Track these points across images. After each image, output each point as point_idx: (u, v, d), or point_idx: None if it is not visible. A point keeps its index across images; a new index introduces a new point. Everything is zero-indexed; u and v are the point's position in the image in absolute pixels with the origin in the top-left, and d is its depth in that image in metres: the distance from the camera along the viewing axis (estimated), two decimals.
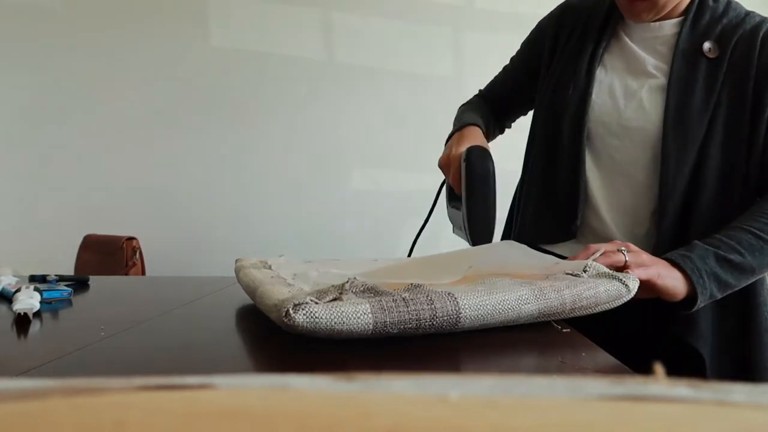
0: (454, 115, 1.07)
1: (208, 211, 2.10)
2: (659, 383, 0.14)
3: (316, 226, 2.05)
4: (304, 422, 0.11)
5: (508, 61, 1.10)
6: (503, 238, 1.03)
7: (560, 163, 0.90)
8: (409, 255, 0.98)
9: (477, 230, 0.83)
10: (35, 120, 2.18)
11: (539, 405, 0.12)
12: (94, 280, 0.84)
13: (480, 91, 1.13)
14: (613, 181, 0.87)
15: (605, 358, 0.44)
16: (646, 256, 0.70)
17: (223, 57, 2.10)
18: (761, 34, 0.82)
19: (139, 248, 1.86)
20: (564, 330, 0.51)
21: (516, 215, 1.01)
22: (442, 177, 1.05)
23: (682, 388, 0.13)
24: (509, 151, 1.22)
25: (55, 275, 0.88)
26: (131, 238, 1.84)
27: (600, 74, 0.90)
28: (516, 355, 0.45)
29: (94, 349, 0.48)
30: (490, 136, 1.02)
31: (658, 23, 0.88)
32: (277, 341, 0.47)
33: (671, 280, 0.68)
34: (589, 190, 0.88)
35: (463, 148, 0.84)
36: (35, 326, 0.63)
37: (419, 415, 0.11)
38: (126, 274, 1.74)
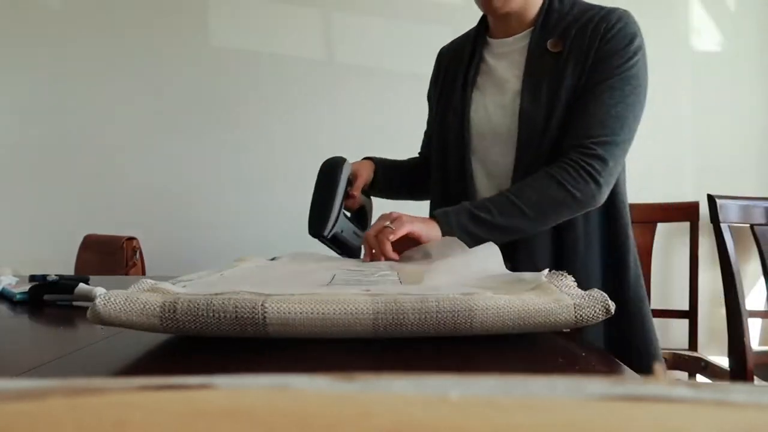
0: None
1: (208, 211, 2.10)
2: (659, 383, 0.14)
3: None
4: (304, 422, 0.11)
5: None
6: None
7: (453, 184, 1.02)
8: None
9: (312, 217, 0.93)
10: (35, 120, 2.18)
11: (539, 405, 0.12)
12: (94, 280, 0.84)
13: (418, 153, 1.26)
14: (499, 183, 0.98)
15: (605, 358, 0.44)
16: (405, 218, 0.82)
17: (223, 57, 2.10)
18: (595, 20, 0.91)
19: (139, 248, 1.85)
20: (564, 330, 0.51)
21: None
22: None
23: (682, 388, 0.13)
24: None
25: (56, 275, 0.89)
26: (131, 238, 1.83)
27: (476, 95, 1.02)
28: (516, 355, 0.45)
29: (94, 349, 0.48)
30: (395, 172, 1.15)
31: (512, 38, 1.00)
32: (277, 341, 0.47)
33: (426, 230, 0.82)
34: (478, 195, 1.00)
35: None
36: (35, 326, 0.63)
37: (419, 415, 0.11)
38: (126, 274, 1.74)
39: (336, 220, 0.90)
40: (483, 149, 1.00)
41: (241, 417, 0.11)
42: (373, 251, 0.83)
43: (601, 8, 0.94)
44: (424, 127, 1.25)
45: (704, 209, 1.74)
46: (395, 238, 0.81)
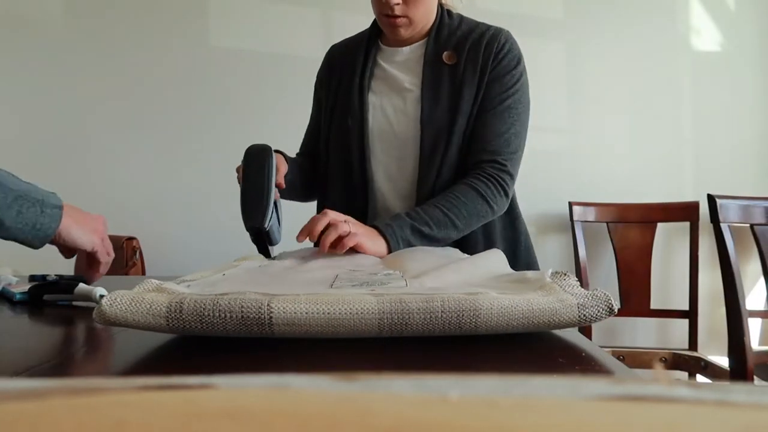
0: None
1: (207, 211, 2.10)
2: (659, 383, 0.14)
3: None
4: (304, 422, 0.11)
5: None
6: None
7: (355, 186, 1.04)
8: None
9: (246, 209, 0.89)
10: (34, 120, 2.18)
11: (539, 405, 0.12)
12: None
13: (297, 153, 1.24)
14: (402, 186, 1.03)
15: (605, 358, 0.44)
16: (360, 227, 0.85)
17: (223, 57, 2.10)
18: (486, 38, 1.00)
19: (139, 248, 1.86)
20: (564, 330, 0.51)
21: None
22: None
23: (682, 388, 0.13)
24: None
25: (55, 275, 0.89)
26: (131, 238, 1.83)
27: (372, 98, 1.05)
28: (516, 355, 0.45)
29: (93, 349, 0.48)
30: (298, 170, 1.11)
31: (408, 47, 1.05)
32: (277, 340, 0.47)
33: (373, 245, 0.84)
34: (383, 200, 1.04)
35: None
36: (35, 326, 0.63)
37: (419, 415, 0.11)
38: (126, 274, 1.74)
39: (271, 212, 0.86)
40: (382, 152, 1.04)
41: (241, 417, 0.11)
42: (319, 231, 0.83)
43: (487, 26, 1.04)
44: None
45: (704, 209, 1.74)
46: (343, 240, 0.81)
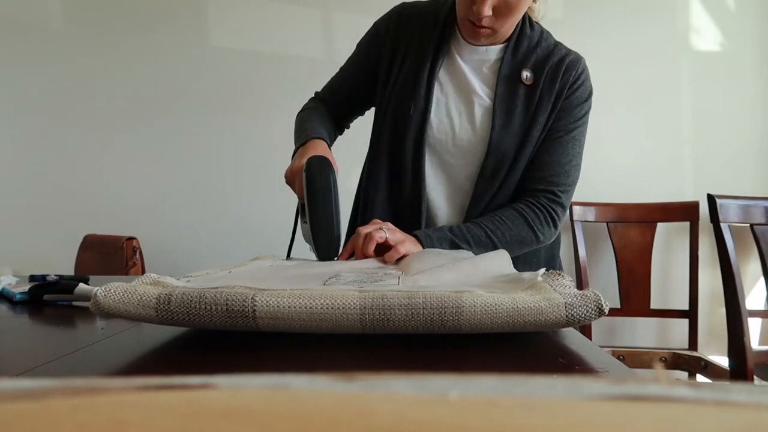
0: (296, 119, 1.11)
1: (208, 211, 2.10)
2: (659, 383, 0.14)
3: None
4: (304, 422, 0.11)
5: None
6: (347, 238, 1.09)
7: (404, 176, 0.99)
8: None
9: (322, 243, 0.83)
10: (35, 120, 2.18)
11: (539, 405, 0.12)
12: (93, 280, 0.84)
13: (317, 93, 1.17)
14: (453, 191, 1.00)
15: (605, 358, 0.44)
16: (400, 234, 0.84)
17: (223, 57, 2.10)
18: (564, 65, 0.97)
19: (139, 248, 1.85)
20: (564, 330, 0.51)
21: (360, 217, 1.08)
22: None
23: (682, 388, 0.13)
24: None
25: (55, 275, 0.89)
26: (131, 238, 1.83)
27: (437, 92, 0.99)
28: (516, 354, 0.45)
29: (94, 349, 0.48)
30: (331, 142, 1.07)
31: (485, 48, 0.99)
32: (277, 340, 0.47)
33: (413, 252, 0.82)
34: (431, 200, 1.00)
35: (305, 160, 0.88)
36: (35, 326, 0.63)
37: (419, 415, 0.11)
38: (126, 274, 1.74)
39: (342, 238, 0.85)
40: (441, 153, 0.99)
41: (241, 417, 0.11)
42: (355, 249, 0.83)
43: (567, 50, 1.01)
44: (355, 126, 1.21)
45: (704, 209, 1.74)
46: (390, 254, 0.80)
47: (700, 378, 1.73)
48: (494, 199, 0.97)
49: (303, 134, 1.00)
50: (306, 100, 1.19)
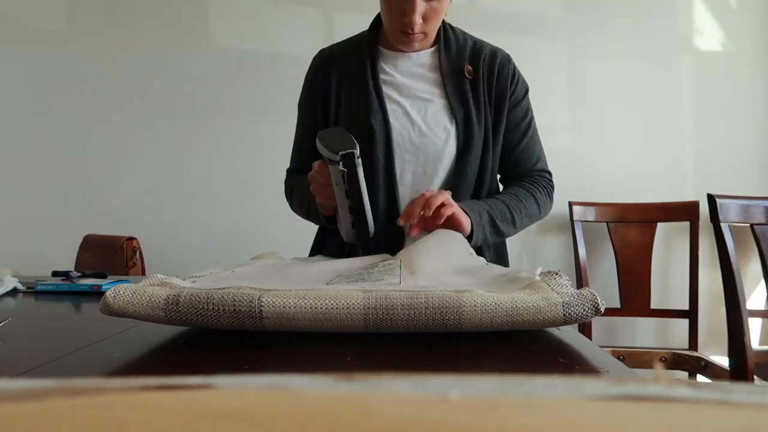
0: (295, 205, 1.17)
1: (208, 211, 2.10)
2: (659, 383, 0.14)
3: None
4: (304, 422, 0.11)
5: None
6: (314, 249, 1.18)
7: (377, 183, 1.01)
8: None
9: (349, 231, 0.87)
10: (35, 120, 2.18)
11: (539, 405, 0.12)
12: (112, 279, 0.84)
13: (288, 170, 1.23)
14: (422, 189, 1.01)
15: (605, 358, 0.44)
16: (453, 202, 0.88)
17: (224, 56, 2.10)
18: (498, 60, 1.05)
19: (139, 248, 1.86)
20: (564, 330, 0.51)
21: (328, 238, 1.15)
22: None
23: (682, 388, 0.13)
24: None
25: (77, 271, 0.91)
26: (131, 238, 1.83)
27: (389, 104, 1.03)
28: (516, 354, 0.45)
29: (94, 349, 0.48)
30: None
31: (416, 53, 1.06)
32: (277, 341, 0.47)
33: (465, 220, 0.88)
34: (402, 202, 1.02)
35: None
36: (36, 326, 0.63)
37: (419, 415, 0.11)
38: (126, 274, 1.74)
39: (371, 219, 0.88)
40: (410, 155, 1.02)
41: (241, 417, 0.11)
42: (418, 212, 0.85)
43: (492, 46, 1.09)
44: None
45: (704, 209, 1.74)
46: (441, 211, 0.85)
47: (700, 378, 1.73)
48: (466, 184, 1.03)
49: (305, 200, 1.06)
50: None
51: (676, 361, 1.77)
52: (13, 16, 2.17)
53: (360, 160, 0.82)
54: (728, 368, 1.58)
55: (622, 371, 0.42)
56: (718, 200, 1.62)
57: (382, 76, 1.05)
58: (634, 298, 1.86)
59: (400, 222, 0.87)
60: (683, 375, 1.79)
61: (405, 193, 1.03)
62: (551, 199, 1.10)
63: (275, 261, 0.79)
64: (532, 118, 1.11)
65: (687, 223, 1.90)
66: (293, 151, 1.21)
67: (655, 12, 2.01)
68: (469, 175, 1.02)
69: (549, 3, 2.03)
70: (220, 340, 0.48)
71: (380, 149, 1.01)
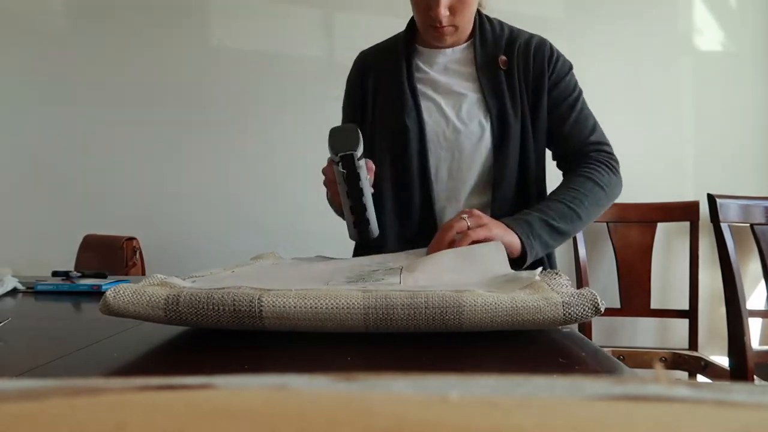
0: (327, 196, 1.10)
1: (208, 211, 2.10)
2: (659, 383, 0.14)
3: (317, 227, 2.05)
4: (304, 422, 0.11)
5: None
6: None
7: (411, 182, 1.01)
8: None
9: (352, 228, 0.84)
10: (35, 120, 2.18)
11: (539, 405, 0.12)
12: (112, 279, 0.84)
13: None
14: (463, 187, 1.02)
15: (605, 358, 0.44)
16: (486, 219, 0.81)
17: (224, 57, 2.10)
18: (532, 47, 1.03)
19: (139, 248, 1.86)
20: (564, 330, 0.51)
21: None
22: None
23: (682, 388, 0.13)
24: None
25: (77, 271, 0.91)
26: (131, 238, 1.83)
27: (423, 101, 1.03)
28: (516, 354, 0.45)
29: (94, 349, 0.48)
30: None
31: (450, 49, 1.05)
32: (277, 341, 0.47)
33: (509, 237, 0.81)
34: (441, 200, 1.02)
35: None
36: (35, 326, 0.63)
37: (419, 415, 0.11)
38: (126, 274, 1.74)
39: (374, 219, 0.85)
40: (445, 153, 1.01)
41: (241, 417, 0.11)
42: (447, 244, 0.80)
43: (529, 33, 1.07)
44: None
45: (704, 209, 1.74)
46: (468, 232, 0.78)
47: (700, 378, 1.73)
48: (509, 172, 1.00)
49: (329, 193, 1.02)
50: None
51: (676, 361, 1.77)
52: (13, 15, 2.17)
53: (362, 162, 0.81)
54: (728, 368, 1.58)
55: (622, 371, 0.41)
56: (718, 200, 1.62)
57: (417, 74, 1.05)
58: (634, 298, 1.86)
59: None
60: (683, 375, 1.79)
61: (440, 190, 1.03)
62: (616, 174, 1.01)
63: (275, 261, 0.79)
64: (580, 93, 1.06)
65: (687, 223, 1.90)
66: None
67: (655, 12, 2.01)
68: (509, 168, 1.00)
69: (549, 3, 2.03)
70: (220, 340, 0.48)
71: (414, 147, 1.01)
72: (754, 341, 1.83)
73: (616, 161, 1.02)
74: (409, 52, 1.07)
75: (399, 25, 1.15)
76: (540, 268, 0.55)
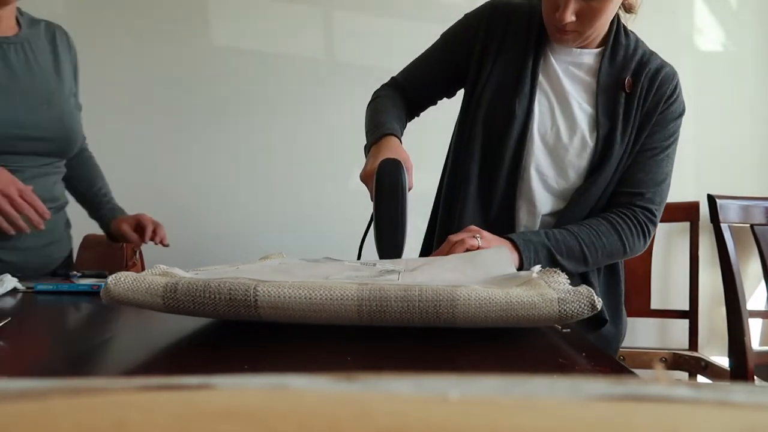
0: (368, 106, 1.07)
1: (208, 212, 2.10)
2: (659, 383, 0.14)
3: (317, 227, 2.05)
4: (304, 422, 0.11)
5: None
6: (427, 230, 1.10)
7: (500, 170, 0.97)
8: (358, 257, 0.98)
9: (384, 245, 0.82)
10: None
11: (539, 405, 0.12)
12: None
13: (393, 78, 1.13)
14: (548, 190, 0.98)
15: (605, 358, 0.44)
16: (495, 241, 0.83)
17: (224, 56, 2.10)
18: (660, 76, 0.98)
19: (139, 248, 1.85)
20: (564, 330, 0.51)
21: (442, 209, 1.06)
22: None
23: (682, 388, 0.13)
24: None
25: (77, 271, 0.91)
26: None
27: (538, 91, 0.97)
28: (516, 355, 0.45)
29: (94, 349, 0.48)
30: (402, 133, 1.03)
31: (579, 50, 0.99)
32: (277, 340, 0.47)
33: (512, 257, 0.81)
34: (525, 197, 0.98)
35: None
36: (36, 326, 0.63)
37: (419, 415, 0.11)
38: None
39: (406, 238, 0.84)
40: (542, 152, 0.97)
41: (241, 417, 0.11)
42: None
43: (663, 61, 1.01)
44: (424, 125, 1.20)
45: (704, 209, 1.74)
46: (470, 242, 0.81)
47: (700, 378, 1.73)
48: (588, 207, 0.97)
49: (376, 129, 0.97)
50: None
51: (676, 362, 1.77)
52: None
53: (401, 180, 0.80)
54: (728, 369, 1.58)
55: (622, 371, 0.41)
56: (718, 201, 1.62)
57: (542, 63, 0.98)
58: (634, 298, 1.85)
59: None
60: (683, 375, 1.79)
61: (523, 188, 0.98)
62: (645, 240, 0.97)
63: (282, 261, 0.79)
64: (673, 143, 1.01)
65: (687, 224, 1.89)
66: (410, 65, 1.12)
67: (657, 12, 2.01)
68: (592, 195, 0.96)
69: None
70: (220, 340, 0.48)
71: (514, 135, 0.96)
72: (755, 342, 1.82)
73: (654, 226, 0.99)
74: (541, 32, 0.98)
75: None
76: (538, 266, 0.55)
